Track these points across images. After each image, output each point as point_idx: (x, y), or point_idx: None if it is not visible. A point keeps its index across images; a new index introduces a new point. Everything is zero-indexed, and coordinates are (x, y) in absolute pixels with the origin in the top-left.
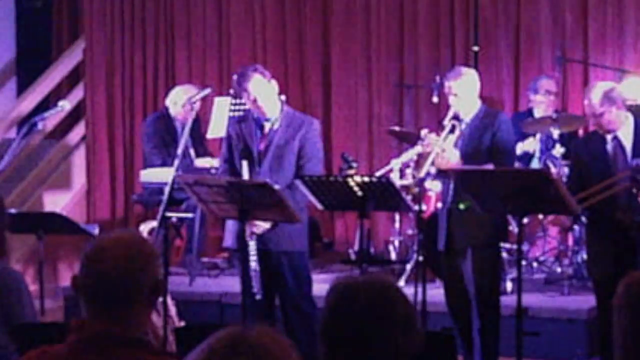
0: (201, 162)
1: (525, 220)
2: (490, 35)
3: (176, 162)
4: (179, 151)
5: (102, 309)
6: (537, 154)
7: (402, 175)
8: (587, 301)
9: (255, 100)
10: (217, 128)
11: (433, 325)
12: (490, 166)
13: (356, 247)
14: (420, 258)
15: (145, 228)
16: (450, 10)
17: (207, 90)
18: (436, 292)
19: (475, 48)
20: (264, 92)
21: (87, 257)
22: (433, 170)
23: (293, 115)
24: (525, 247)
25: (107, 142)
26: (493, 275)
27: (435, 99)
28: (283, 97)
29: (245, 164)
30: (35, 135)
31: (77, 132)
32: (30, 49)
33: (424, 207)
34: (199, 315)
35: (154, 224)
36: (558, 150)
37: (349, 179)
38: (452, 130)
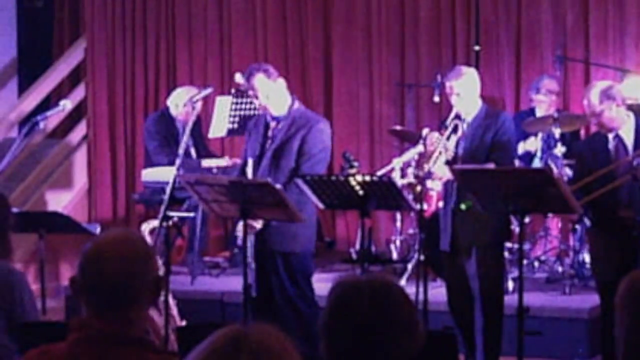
0: (208, 163)
1: (526, 219)
2: (491, 34)
3: (177, 161)
4: (180, 151)
5: (101, 309)
6: (539, 154)
7: (403, 174)
8: (588, 301)
9: (259, 99)
10: (218, 128)
11: (434, 325)
12: (491, 165)
13: (357, 246)
14: (422, 257)
15: (146, 227)
16: (452, 9)
17: (209, 90)
18: (437, 291)
19: (477, 47)
20: (267, 91)
21: (85, 258)
22: (434, 170)
23: (301, 115)
24: (526, 247)
25: (109, 141)
26: (497, 274)
27: (436, 99)
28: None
29: (250, 162)
30: (36, 135)
31: (79, 131)
32: (31, 48)
33: (425, 206)
34: (201, 315)
35: (155, 223)
36: (559, 149)
37: (351, 178)
38: (454, 130)
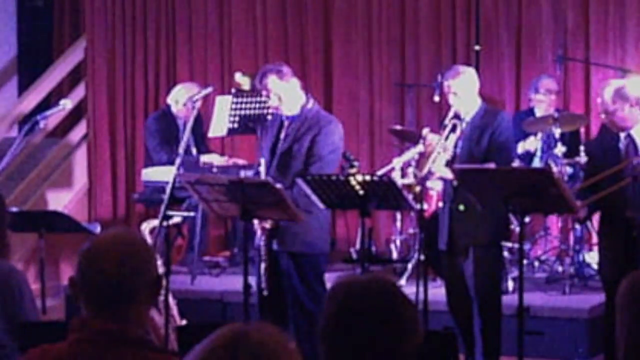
0: (206, 158)
1: (526, 219)
2: (491, 34)
3: (178, 160)
4: (181, 150)
5: (101, 308)
6: (539, 153)
7: (403, 174)
8: (588, 300)
9: (270, 99)
10: (218, 127)
11: (434, 324)
12: (491, 165)
13: (358, 246)
14: (422, 257)
15: (146, 227)
16: (452, 9)
17: (209, 89)
18: (437, 291)
19: (477, 47)
20: (279, 91)
21: (84, 257)
22: (434, 170)
23: (313, 115)
24: (526, 246)
25: (109, 140)
26: (494, 274)
27: (436, 98)
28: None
29: (263, 162)
30: (36, 134)
31: (79, 131)
32: (31, 47)
33: (425, 206)
34: (201, 314)
35: (155, 222)
36: (559, 149)
37: (351, 178)
38: (453, 129)
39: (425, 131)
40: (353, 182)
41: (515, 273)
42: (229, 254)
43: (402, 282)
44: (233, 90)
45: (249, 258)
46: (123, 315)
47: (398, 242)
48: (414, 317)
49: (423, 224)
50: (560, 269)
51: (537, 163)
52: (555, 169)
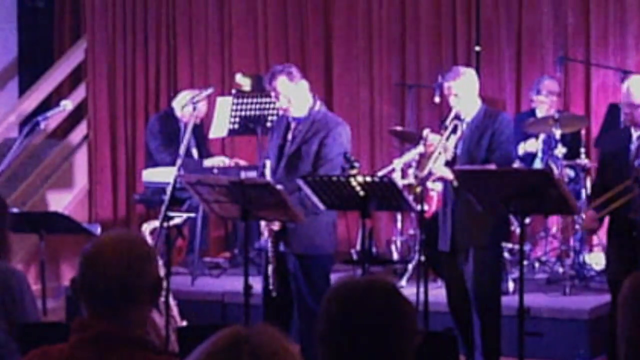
0: (210, 162)
1: (527, 220)
2: (492, 35)
3: (178, 161)
4: (181, 151)
5: (102, 309)
6: (540, 154)
7: (404, 175)
8: (588, 301)
9: (279, 100)
10: (219, 128)
11: (435, 325)
12: (492, 166)
13: (358, 247)
14: (422, 258)
15: (147, 228)
16: (452, 10)
17: (210, 90)
18: (438, 292)
19: (477, 48)
20: (288, 93)
21: (85, 258)
22: (435, 170)
23: (321, 117)
24: (527, 247)
25: (109, 141)
26: (494, 275)
27: (437, 99)
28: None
29: (269, 163)
30: (37, 135)
31: (79, 131)
32: (32, 48)
33: (425, 207)
34: (201, 315)
35: (156, 223)
36: (560, 150)
37: (351, 179)
38: (454, 130)
39: (426, 132)
40: (353, 183)
41: (516, 274)
42: (230, 255)
43: (403, 283)
44: (233, 91)
45: (250, 259)
46: (124, 317)
47: (398, 243)
48: (413, 318)
49: (423, 225)
50: (560, 270)
51: (538, 164)
52: (555, 170)
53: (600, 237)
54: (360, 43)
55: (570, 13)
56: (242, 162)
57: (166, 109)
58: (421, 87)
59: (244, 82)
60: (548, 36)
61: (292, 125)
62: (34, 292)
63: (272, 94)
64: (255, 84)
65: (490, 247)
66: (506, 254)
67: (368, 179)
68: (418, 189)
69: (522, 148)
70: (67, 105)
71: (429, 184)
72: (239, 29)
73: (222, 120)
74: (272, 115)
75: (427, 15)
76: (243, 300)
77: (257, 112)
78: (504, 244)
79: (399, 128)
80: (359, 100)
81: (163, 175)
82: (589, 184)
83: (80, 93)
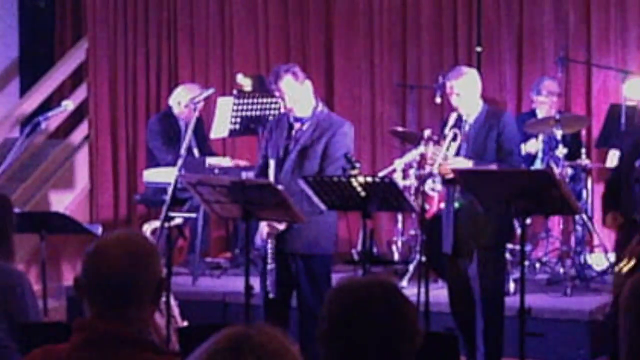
0: (212, 161)
1: (528, 220)
2: (493, 36)
3: (179, 161)
4: (182, 151)
5: (104, 309)
6: (540, 155)
7: (405, 175)
8: (589, 302)
9: (284, 100)
10: (220, 128)
11: (436, 326)
12: (493, 166)
13: (359, 247)
14: (423, 258)
15: (148, 228)
16: (453, 10)
17: (210, 91)
18: (439, 293)
19: (478, 49)
20: (294, 93)
21: (89, 258)
22: (435, 171)
23: (325, 117)
24: (527, 248)
25: (110, 142)
26: (498, 276)
27: (438, 100)
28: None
29: (272, 163)
30: (38, 135)
31: (80, 132)
32: (33, 48)
33: (426, 207)
34: (202, 315)
35: (157, 224)
36: (561, 151)
37: (352, 179)
38: (454, 139)
39: (427, 133)
40: (354, 184)
41: (517, 274)
42: (231, 255)
43: (404, 283)
44: (234, 92)
45: (251, 259)
46: (125, 317)
47: (399, 244)
48: (414, 318)
49: (424, 225)
50: (561, 270)
51: (538, 165)
52: (556, 170)
53: (601, 237)
54: (361, 43)
55: (571, 14)
56: (243, 163)
57: (165, 109)
58: (422, 87)
59: (245, 83)
60: (549, 37)
61: (296, 125)
62: (34, 292)
63: (277, 93)
64: (256, 84)
65: (495, 248)
66: (507, 255)
67: (369, 179)
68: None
69: (523, 149)
70: (68, 105)
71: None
72: (240, 30)
73: (223, 120)
74: (273, 115)
75: (428, 15)
76: (244, 301)
77: (258, 113)
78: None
79: (399, 128)
80: (360, 101)
81: (164, 175)
82: (589, 184)
83: (81, 93)
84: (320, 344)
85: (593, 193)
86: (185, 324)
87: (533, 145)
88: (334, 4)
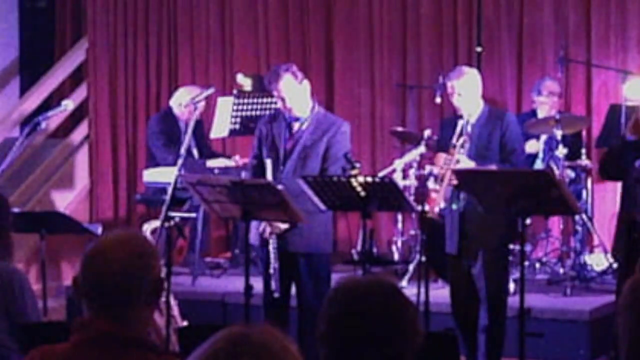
0: (213, 163)
1: (528, 221)
2: (493, 36)
3: (179, 161)
4: (182, 151)
5: (103, 309)
6: (541, 155)
7: (405, 175)
8: (589, 302)
9: (284, 100)
10: (220, 128)
11: (435, 326)
12: (493, 166)
13: (359, 247)
14: (423, 258)
15: (148, 228)
16: (454, 10)
17: (210, 90)
18: (439, 293)
19: (479, 49)
20: (293, 93)
21: (88, 257)
22: (436, 171)
23: (323, 117)
24: (527, 248)
25: (110, 141)
26: (503, 276)
27: (438, 100)
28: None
29: (269, 162)
30: (38, 135)
31: (80, 131)
32: (33, 48)
33: (426, 208)
34: (202, 315)
35: (156, 223)
36: (561, 151)
37: (352, 179)
38: (463, 146)
39: (427, 133)
40: (354, 184)
41: (517, 275)
42: (230, 255)
43: (404, 283)
44: (234, 92)
45: (251, 259)
46: (125, 317)
47: (399, 244)
48: (414, 318)
49: (425, 225)
50: (561, 270)
51: (539, 165)
52: (556, 170)
53: (601, 237)
54: (362, 43)
55: (571, 13)
56: (243, 162)
57: (166, 109)
58: (422, 87)
59: (245, 82)
60: (549, 37)
61: (295, 125)
62: (34, 291)
63: (275, 93)
64: (256, 84)
65: (500, 249)
66: None
67: (369, 179)
68: (437, 211)
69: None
70: (68, 105)
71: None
72: (240, 29)
73: (223, 120)
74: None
75: (428, 15)
76: (244, 301)
77: (258, 112)
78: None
79: (399, 128)
80: (360, 101)
81: (164, 175)
82: (589, 184)
83: (81, 93)
84: (320, 343)
85: (593, 193)
86: (185, 323)
87: (533, 146)
88: (334, 4)
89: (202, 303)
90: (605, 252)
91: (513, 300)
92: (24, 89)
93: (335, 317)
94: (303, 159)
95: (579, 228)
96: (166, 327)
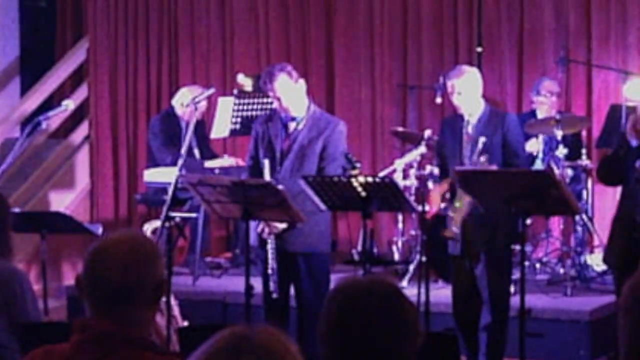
0: (211, 164)
1: (528, 221)
2: (493, 36)
3: (180, 161)
4: (183, 151)
5: (105, 309)
6: (540, 155)
7: (405, 175)
8: (589, 302)
9: (279, 100)
10: (220, 128)
11: (436, 326)
12: (493, 167)
13: (359, 247)
14: (424, 258)
15: (148, 228)
16: (454, 11)
17: (211, 90)
18: (439, 293)
19: (479, 49)
20: (289, 92)
21: (90, 257)
22: (436, 171)
23: (319, 116)
24: (528, 248)
25: (111, 141)
26: (506, 277)
27: (438, 100)
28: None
29: (267, 162)
30: (39, 135)
31: (81, 131)
32: (34, 48)
33: (427, 208)
34: (202, 315)
35: (157, 223)
36: (561, 151)
37: (353, 180)
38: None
39: (428, 133)
40: (355, 184)
41: (517, 275)
42: (231, 255)
43: (404, 283)
44: (235, 92)
45: (251, 259)
46: (126, 317)
47: (400, 244)
48: (414, 318)
49: (425, 225)
50: (561, 271)
51: (539, 165)
52: (556, 170)
53: (602, 238)
54: (362, 43)
55: (571, 14)
56: (242, 162)
57: (168, 109)
58: (423, 87)
59: (246, 83)
60: (549, 37)
61: (291, 125)
62: (35, 291)
63: (271, 94)
64: (257, 84)
65: (504, 249)
66: None
67: (369, 179)
68: (453, 232)
69: None
70: (69, 105)
71: (430, 184)
72: (240, 29)
73: (224, 120)
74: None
75: (428, 15)
76: (244, 301)
77: (259, 112)
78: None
79: (400, 129)
80: (361, 101)
81: (164, 175)
82: (590, 184)
83: (82, 93)
84: (320, 343)
85: (593, 193)
86: (186, 324)
87: (533, 146)
88: (335, 4)
89: (203, 303)
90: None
91: (513, 301)
92: (24, 89)
93: (335, 317)
94: (300, 158)
95: (579, 228)
96: (167, 327)
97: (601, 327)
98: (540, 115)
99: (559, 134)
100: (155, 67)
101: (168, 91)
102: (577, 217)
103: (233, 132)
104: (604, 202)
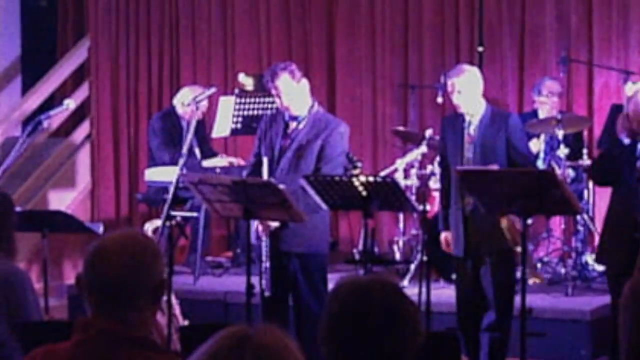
0: (208, 163)
1: (529, 221)
2: (495, 35)
3: (181, 161)
4: (184, 150)
5: (105, 308)
6: (542, 155)
7: (406, 175)
8: (590, 302)
9: (281, 99)
10: (221, 127)
11: (437, 326)
12: (494, 166)
13: (360, 247)
14: (425, 258)
15: (149, 227)
16: (455, 10)
17: (212, 90)
18: (440, 292)
19: (480, 48)
20: (290, 91)
21: (91, 256)
22: (437, 170)
23: (321, 116)
24: (529, 248)
25: (112, 140)
26: (511, 277)
27: (439, 99)
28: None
29: (265, 160)
30: (40, 134)
31: (82, 130)
32: (35, 47)
33: (428, 207)
34: (203, 314)
35: (158, 223)
36: (562, 151)
37: (354, 179)
38: None
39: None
40: (356, 183)
41: (518, 274)
42: (232, 255)
43: (405, 283)
44: (236, 91)
45: (252, 258)
46: (127, 317)
47: (401, 243)
48: (416, 318)
49: (426, 225)
50: (562, 270)
51: (540, 165)
52: (558, 170)
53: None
54: (363, 43)
55: (573, 14)
56: (243, 162)
57: (169, 108)
58: (424, 87)
59: (247, 82)
60: (551, 37)
61: (292, 124)
62: (36, 290)
63: (273, 92)
64: (258, 83)
65: (507, 250)
66: None
67: (370, 179)
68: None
69: None
70: (70, 104)
71: (431, 184)
72: (241, 29)
73: (225, 119)
74: (272, 114)
75: (429, 15)
76: (245, 300)
77: (260, 112)
78: None
79: (401, 128)
80: (362, 101)
81: (165, 174)
82: (591, 184)
83: (83, 92)
84: (321, 343)
85: (594, 193)
86: (187, 323)
87: (535, 146)
88: (336, 4)
89: (204, 302)
90: (599, 250)
91: (514, 300)
92: (25, 88)
93: (335, 316)
94: (297, 157)
95: (580, 228)
96: (168, 326)
97: (602, 326)
98: (541, 115)
99: (560, 133)
100: (157, 66)
101: (169, 90)
102: (579, 217)
103: (234, 132)
104: (605, 202)
